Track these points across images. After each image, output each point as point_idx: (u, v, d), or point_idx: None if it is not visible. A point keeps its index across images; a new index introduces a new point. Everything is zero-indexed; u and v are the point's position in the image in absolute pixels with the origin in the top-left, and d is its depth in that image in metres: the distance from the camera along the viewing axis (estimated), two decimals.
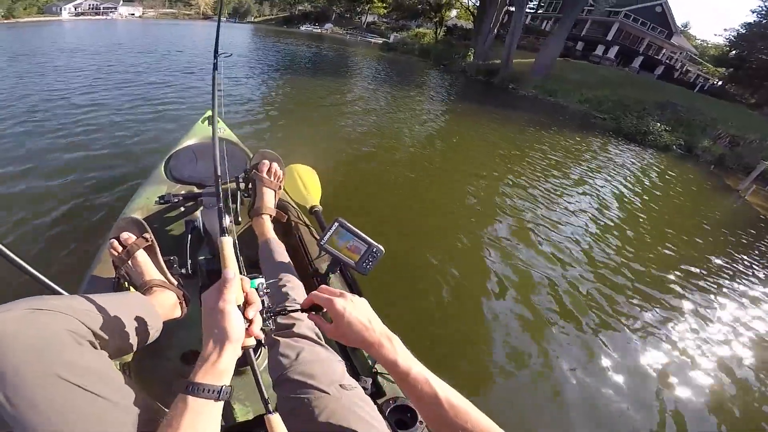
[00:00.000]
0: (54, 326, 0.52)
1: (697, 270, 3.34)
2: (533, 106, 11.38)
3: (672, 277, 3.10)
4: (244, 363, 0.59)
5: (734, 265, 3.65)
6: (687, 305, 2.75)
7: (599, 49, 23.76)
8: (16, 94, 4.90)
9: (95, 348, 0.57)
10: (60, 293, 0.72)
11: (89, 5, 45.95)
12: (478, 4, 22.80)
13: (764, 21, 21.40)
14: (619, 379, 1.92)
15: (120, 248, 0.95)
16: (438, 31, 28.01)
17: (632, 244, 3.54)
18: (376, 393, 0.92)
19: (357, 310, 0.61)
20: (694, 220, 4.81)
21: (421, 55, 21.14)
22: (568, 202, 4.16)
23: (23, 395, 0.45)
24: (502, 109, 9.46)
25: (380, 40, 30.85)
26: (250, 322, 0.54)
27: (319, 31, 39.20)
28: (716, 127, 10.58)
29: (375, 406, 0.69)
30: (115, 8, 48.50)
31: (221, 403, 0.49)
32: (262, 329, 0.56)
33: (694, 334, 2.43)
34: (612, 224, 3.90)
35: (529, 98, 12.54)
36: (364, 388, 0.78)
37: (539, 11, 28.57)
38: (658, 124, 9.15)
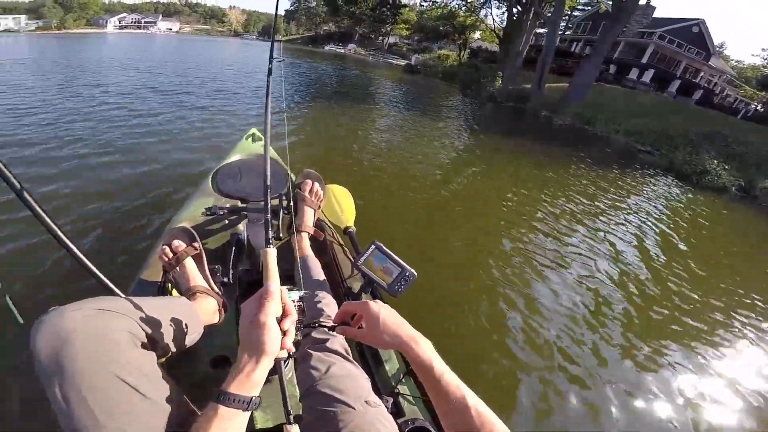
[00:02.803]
0: (115, 327, 0.54)
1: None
2: (570, 136, 10.57)
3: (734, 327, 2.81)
4: (273, 373, 0.58)
5: None
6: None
7: (633, 73, 22.70)
8: (79, 105, 5.31)
9: (147, 349, 0.59)
10: (118, 294, 0.74)
11: (132, 19, 49.26)
12: (504, 26, 22.43)
13: None
14: None
15: (170, 254, 1.01)
16: (462, 54, 27.76)
17: (690, 293, 3.18)
18: (395, 413, 0.92)
19: (390, 312, 0.64)
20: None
21: (445, 78, 20.71)
22: (611, 244, 3.80)
23: (78, 388, 0.47)
24: (536, 139, 8.76)
25: (402, 62, 30.92)
26: (284, 333, 0.55)
27: (342, 51, 39.79)
28: None
29: (396, 426, 0.70)
30: (155, 23, 51.55)
31: (249, 413, 0.51)
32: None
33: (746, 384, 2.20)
34: (665, 272, 3.50)
35: (564, 127, 11.72)
36: (386, 407, 0.76)
37: (567, 32, 27.90)
38: (715, 162, 8.13)
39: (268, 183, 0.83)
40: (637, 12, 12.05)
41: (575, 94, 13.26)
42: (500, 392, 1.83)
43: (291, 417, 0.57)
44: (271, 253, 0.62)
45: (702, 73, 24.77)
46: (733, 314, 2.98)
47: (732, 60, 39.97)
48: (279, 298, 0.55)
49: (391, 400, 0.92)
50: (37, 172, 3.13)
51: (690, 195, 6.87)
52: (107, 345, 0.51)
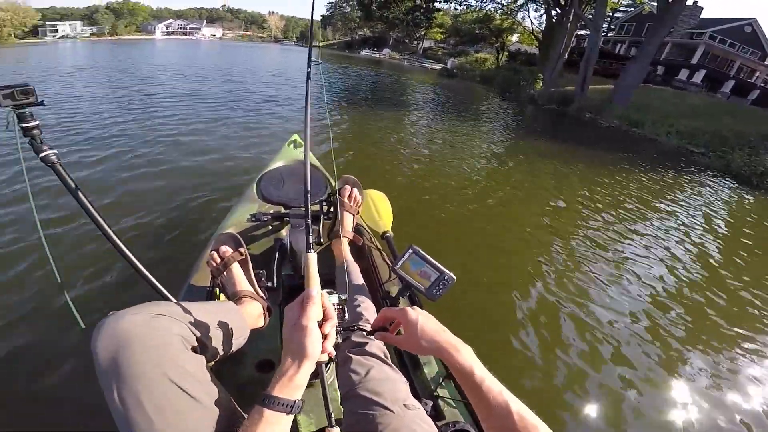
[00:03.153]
0: (170, 331, 0.56)
1: None
2: (617, 138, 10.50)
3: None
4: (314, 377, 0.58)
5: None
6: None
7: (683, 74, 21.83)
8: (134, 114, 5.50)
9: (197, 353, 0.60)
10: (170, 299, 0.77)
11: (178, 25, 52.02)
12: (543, 28, 22.24)
13: None
14: None
15: (218, 260, 1.04)
16: (500, 57, 27.61)
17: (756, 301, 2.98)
18: (435, 416, 0.92)
19: (429, 319, 0.64)
20: None
21: (483, 82, 20.79)
22: (669, 252, 3.62)
23: (133, 390, 0.48)
24: (580, 142, 8.71)
25: (438, 66, 31.09)
26: (325, 337, 0.55)
27: (377, 56, 40.63)
28: None
29: (435, 428, 0.71)
30: (200, 29, 54.33)
31: (292, 415, 0.51)
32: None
33: None
34: (730, 280, 3.31)
35: (610, 130, 11.63)
36: (425, 411, 0.78)
37: (610, 34, 27.16)
38: None
39: (308, 189, 0.86)
40: (684, 13, 11.76)
41: (621, 96, 13.10)
42: (540, 407, 1.87)
43: (332, 420, 0.59)
44: (312, 259, 0.63)
45: (758, 73, 23.37)
46: None
47: None
48: (320, 303, 0.56)
49: (430, 403, 0.93)
50: (95, 180, 3.30)
51: (751, 198, 6.77)
52: (162, 349, 0.53)
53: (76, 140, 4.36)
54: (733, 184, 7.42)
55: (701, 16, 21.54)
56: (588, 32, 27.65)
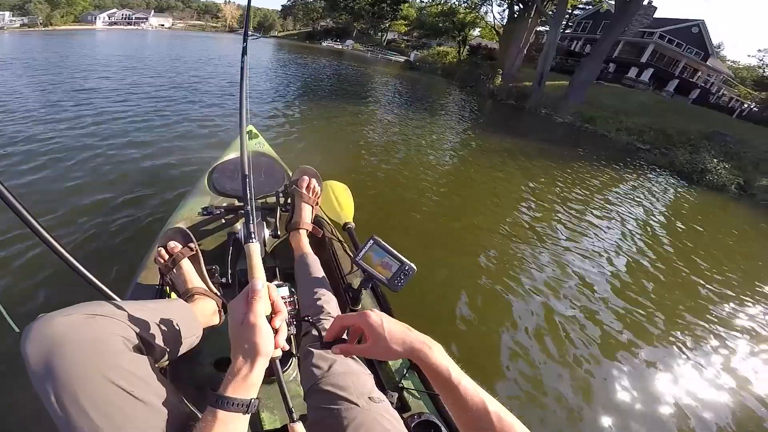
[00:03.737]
0: (108, 331, 0.53)
1: None
2: (570, 134, 10.59)
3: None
4: (270, 373, 0.56)
5: None
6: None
7: (632, 72, 22.75)
8: (63, 107, 5.03)
9: (141, 353, 0.57)
10: (113, 298, 0.73)
11: (122, 15, 48.17)
12: (504, 23, 22.37)
13: None
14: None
15: (166, 256, 0.99)
16: (461, 50, 27.63)
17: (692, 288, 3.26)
18: (401, 408, 0.92)
19: (392, 320, 0.59)
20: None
21: (444, 75, 20.66)
22: (610, 241, 3.81)
23: (72, 394, 0.46)
24: (536, 138, 8.75)
25: (401, 58, 30.77)
26: (276, 331, 0.54)
27: (340, 47, 39.51)
28: None
29: (401, 420, 0.69)
30: (146, 19, 50.56)
31: (249, 415, 0.50)
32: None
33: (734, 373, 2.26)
34: (664, 267, 3.55)
35: (564, 125, 11.73)
36: (391, 403, 0.76)
37: (567, 31, 27.88)
38: (715, 161, 8.16)
39: (245, 172, 0.81)
40: (639, 12, 12.02)
41: (575, 92, 13.27)
42: (494, 379, 1.86)
43: (294, 415, 0.57)
44: (254, 248, 0.59)
45: (699, 73, 24.90)
46: (745, 301, 3.16)
47: (728, 60, 40.17)
48: (267, 296, 0.54)
49: (396, 395, 0.91)
50: (23, 174, 2.97)
51: (694, 193, 6.91)
52: (99, 350, 0.50)
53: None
54: (676, 179, 7.59)
55: (654, 16, 22.48)
56: (547, 28, 28.33)
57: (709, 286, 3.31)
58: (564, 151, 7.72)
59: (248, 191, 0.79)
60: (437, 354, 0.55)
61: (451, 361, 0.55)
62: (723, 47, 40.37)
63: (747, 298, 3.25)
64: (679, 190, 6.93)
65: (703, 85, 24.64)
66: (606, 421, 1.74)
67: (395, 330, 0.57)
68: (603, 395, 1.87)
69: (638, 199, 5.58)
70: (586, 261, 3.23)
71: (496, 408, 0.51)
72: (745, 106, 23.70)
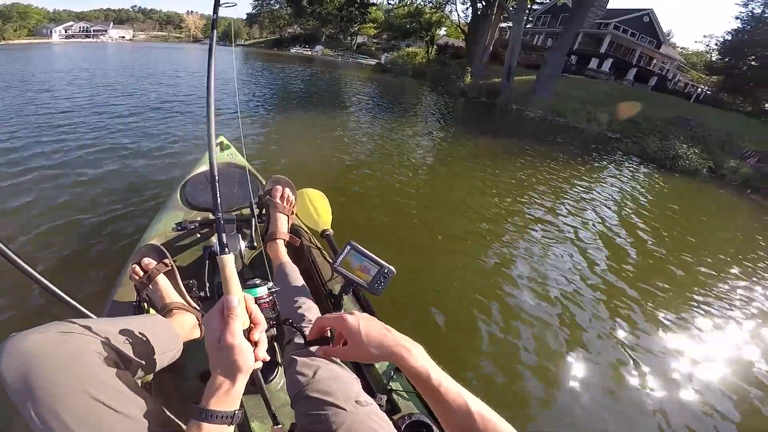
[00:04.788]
0: (83, 348, 0.53)
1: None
2: (542, 128, 10.82)
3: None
4: (252, 383, 0.55)
5: None
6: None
7: (593, 63, 23.65)
8: (26, 121, 4.88)
9: (119, 368, 0.56)
10: (89, 316, 0.72)
11: (80, 28, 46.04)
12: (469, 21, 22.76)
13: (749, 27, 21.34)
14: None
15: (141, 273, 1.00)
16: (429, 50, 27.91)
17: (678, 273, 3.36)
18: (391, 410, 0.92)
19: (371, 322, 0.60)
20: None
21: (415, 76, 20.78)
22: (591, 233, 3.88)
23: (53, 412, 0.46)
24: (509, 134, 8.87)
25: (372, 61, 30.77)
26: (255, 344, 0.53)
27: (309, 53, 39.10)
28: (733, 142, 10.04)
29: (391, 422, 0.70)
30: (105, 31, 48.48)
31: (233, 426, 0.50)
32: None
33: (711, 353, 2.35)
34: (648, 251, 3.73)
35: (536, 120, 12.00)
36: (380, 405, 0.77)
37: (528, 26, 28.68)
38: (684, 146, 8.50)
39: (217, 185, 0.82)
40: (593, 4, 12.46)
41: (543, 86, 13.61)
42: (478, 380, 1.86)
43: (277, 419, 0.56)
44: (228, 260, 0.57)
45: (655, 61, 26.18)
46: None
47: (679, 47, 42.45)
48: (243, 311, 0.53)
49: (384, 397, 0.92)
50: None
51: (668, 178, 7.18)
52: (76, 365, 0.50)
53: None
54: (649, 167, 7.86)
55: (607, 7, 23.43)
56: (510, 24, 29.04)
57: (695, 269, 3.44)
58: (536, 145, 7.85)
59: (217, 201, 0.77)
60: (417, 356, 0.55)
61: (431, 363, 0.55)
62: (672, 35, 42.55)
63: (727, 276, 3.40)
64: (656, 176, 7.19)
65: (659, 72, 25.92)
66: (592, 414, 1.76)
67: (373, 333, 0.58)
68: (585, 387, 1.89)
69: (616, 189, 5.73)
70: (567, 253, 3.25)
71: (479, 408, 0.51)
72: (700, 90, 25.11)
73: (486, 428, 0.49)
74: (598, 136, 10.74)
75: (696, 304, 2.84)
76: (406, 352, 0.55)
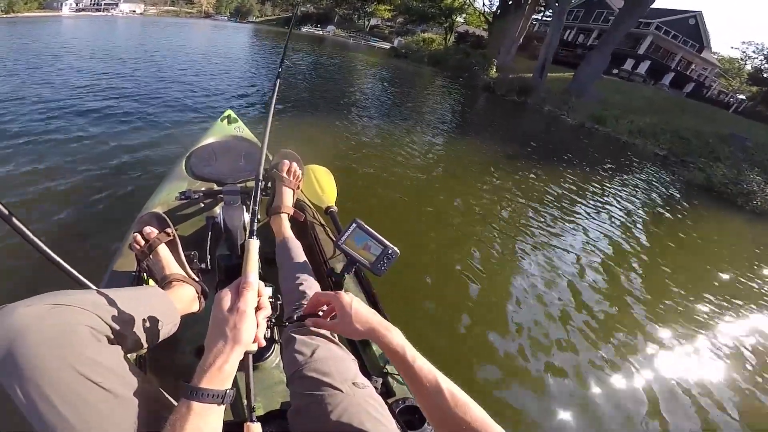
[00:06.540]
0: (73, 322, 0.52)
1: None
2: (579, 137, 9.23)
3: None
4: (240, 367, 0.56)
5: None
6: None
7: (628, 63, 21.68)
8: (34, 92, 4.78)
9: (112, 344, 0.56)
10: (87, 286, 0.72)
11: (90, 1, 44.15)
12: (494, 9, 20.78)
13: None
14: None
15: (142, 242, 0.97)
16: (448, 37, 25.94)
17: None
18: (385, 393, 0.93)
19: (362, 305, 0.65)
20: None
21: (432, 63, 18.92)
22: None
23: (38, 387, 0.45)
24: (545, 141, 7.49)
25: (385, 45, 28.92)
26: (257, 325, 0.55)
27: (321, 33, 37.02)
28: None
29: (386, 405, 0.70)
30: (116, 5, 46.79)
31: (223, 407, 0.49)
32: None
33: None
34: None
35: (574, 126, 10.33)
36: (375, 388, 0.77)
37: None
38: (759, 178, 6.79)
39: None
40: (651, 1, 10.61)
41: (581, 86, 11.90)
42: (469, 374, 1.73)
43: (253, 415, 0.56)
44: (254, 244, 0.59)
45: (693, 66, 24.12)
46: None
47: (714, 53, 39.99)
48: (257, 289, 0.54)
49: (380, 380, 0.92)
50: None
51: (749, 224, 5.62)
52: (64, 341, 0.48)
53: None
54: (717, 204, 6.23)
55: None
56: (541, 17, 26.76)
57: None
58: (578, 159, 6.56)
59: (258, 191, 0.74)
60: (395, 335, 0.60)
61: (407, 343, 0.60)
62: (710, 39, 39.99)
63: None
64: (735, 220, 5.62)
65: (696, 78, 23.90)
66: (580, 410, 1.66)
67: (361, 312, 0.63)
68: (583, 390, 1.77)
69: (702, 242, 4.32)
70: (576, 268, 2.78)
71: (449, 386, 0.54)
72: (732, 100, 23.10)
73: (456, 405, 0.52)
74: (643, 151, 9.10)
75: None
76: (386, 331, 0.61)
